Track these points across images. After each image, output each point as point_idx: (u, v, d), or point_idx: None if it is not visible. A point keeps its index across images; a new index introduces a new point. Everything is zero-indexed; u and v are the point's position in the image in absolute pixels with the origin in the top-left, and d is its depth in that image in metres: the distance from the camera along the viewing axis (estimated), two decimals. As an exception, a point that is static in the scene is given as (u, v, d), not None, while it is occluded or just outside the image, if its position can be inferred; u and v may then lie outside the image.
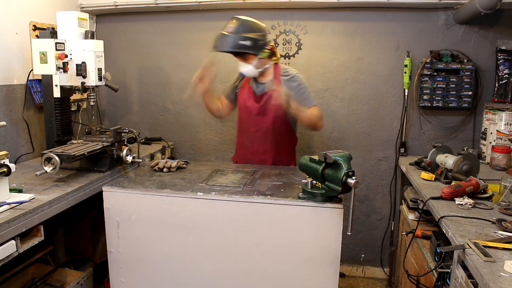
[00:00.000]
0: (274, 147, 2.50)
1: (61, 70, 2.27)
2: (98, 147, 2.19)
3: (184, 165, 2.34)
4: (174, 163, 2.26)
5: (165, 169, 2.24)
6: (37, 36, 2.50)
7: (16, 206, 1.66)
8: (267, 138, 2.42)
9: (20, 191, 1.86)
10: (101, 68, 2.40)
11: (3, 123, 1.98)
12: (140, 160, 2.36)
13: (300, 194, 1.83)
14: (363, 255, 3.32)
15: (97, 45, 2.37)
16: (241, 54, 2.28)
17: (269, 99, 2.39)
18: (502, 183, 1.98)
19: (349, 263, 3.34)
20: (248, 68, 2.33)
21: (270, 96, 2.38)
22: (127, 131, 2.35)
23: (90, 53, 2.33)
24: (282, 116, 2.42)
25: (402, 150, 3.04)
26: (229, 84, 2.67)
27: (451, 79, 2.85)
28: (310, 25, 3.08)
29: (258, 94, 2.45)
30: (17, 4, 2.50)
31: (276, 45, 3.13)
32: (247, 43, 2.20)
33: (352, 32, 3.03)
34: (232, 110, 2.68)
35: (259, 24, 2.30)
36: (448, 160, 2.25)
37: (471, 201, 1.84)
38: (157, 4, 3.02)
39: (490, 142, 2.69)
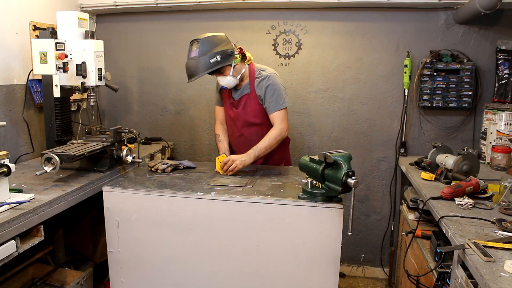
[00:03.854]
0: None
1: (61, 70, 2.27)
2: (98, 147, 2.19)
3: (181, 167, 2.36)
4: (169, 169, 2.29)
5: (159, 171, 2.27)
6: (37, 36, 2.50)
7: (16, 206, 1.66)
8: (251, 141, 2.38)
9: (20, 191, 1.86)
10: (101, 68, 2.40)
11: (3, 123, 1.98)
12: (140, 160, 2.37)
13: (300, 194, 1.83)
14: (363, 255, 3.32)
15: (97, 45, 2.37)
16: (217, 70, 2.25)
17: (246, 103, 2.39)
18: (502, 183, 1.98)
19: (349, 263, 3.34)
20: (227, 80, 2.33)
21: (248, 100, 2.38)
22: (127, 131, 2.35)
23: (90, 53, 2.33)
24: (264, 119, 2.41)
25: (402, 150, 3.04)
26: (215, 93, 2.65)
27: (451, 79, 2.85)
28: (310, 25, 3.08)
29: (236, 100, 2.45)
30: (17, 4, 2.49)
31: (276, 45, 3.13)
32: (218, 58, 2.19)
33: (352, 32, 3.03)
34: None
35: (218, 34, 2.28)
36: (448, 160, 2.25)
37: (471, 201, 1.84)
38: (157, 4, 3.02)
39: (490, 142, 2.68)
